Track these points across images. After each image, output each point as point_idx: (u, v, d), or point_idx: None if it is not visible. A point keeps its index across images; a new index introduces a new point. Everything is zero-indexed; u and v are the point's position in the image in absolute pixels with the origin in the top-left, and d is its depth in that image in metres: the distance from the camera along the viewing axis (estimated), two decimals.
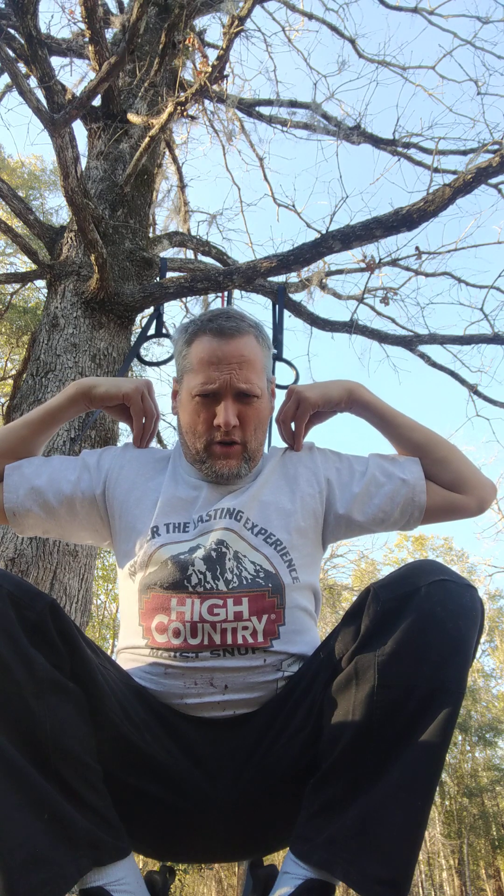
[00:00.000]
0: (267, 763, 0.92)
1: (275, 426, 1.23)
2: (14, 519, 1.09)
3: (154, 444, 1.27)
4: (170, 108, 3.35)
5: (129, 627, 1.03)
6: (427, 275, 5.21)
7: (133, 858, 0.86)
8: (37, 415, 1.13)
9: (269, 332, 1.28)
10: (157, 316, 2.28)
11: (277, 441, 1.30)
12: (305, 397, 1.15)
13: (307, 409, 1.15)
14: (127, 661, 1.03)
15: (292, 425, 1.19)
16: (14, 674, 0.76)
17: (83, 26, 3.60)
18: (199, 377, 1.07)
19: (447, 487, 1.12)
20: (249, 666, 0.94)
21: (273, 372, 1.31)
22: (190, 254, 4.68)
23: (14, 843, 0.71)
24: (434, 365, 4.88)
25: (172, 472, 1.14)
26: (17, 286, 7.05)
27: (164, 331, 2.23)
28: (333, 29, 5.53)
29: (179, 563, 0.98)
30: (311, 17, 5.58)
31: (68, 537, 1.15)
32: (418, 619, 0.80)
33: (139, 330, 4.34)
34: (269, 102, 5.21)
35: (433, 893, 19.93)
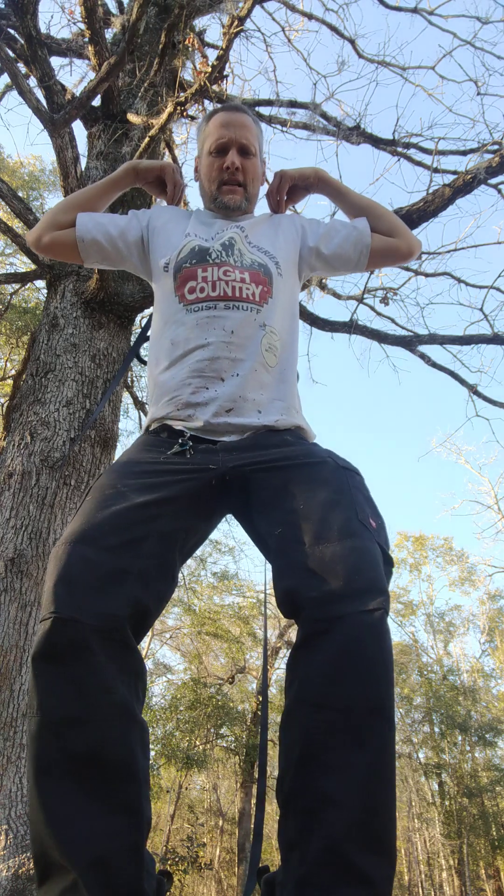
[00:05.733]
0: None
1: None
2: (82, 245, 1.47)
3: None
4: (169, 109, 3.35)
5: (167, 304, 1.39)
6: (427, 275, 5.21)
7: None
8: (100, 183, 1.58)
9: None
10: None
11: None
12: (285, 173, 1.57)
13: (286, 181, 1.56)
14: (161, 331, 1.38)
15: (277, 198, 1.61)
16: None
17: (83, 26, 3.60)
18: (213, 136, 1.50)
19: (385, 234, 1.51)
20: (246, 318, 1.32)
21: None
22: None
23: None
24: (434, 365, 4.88)
25: (195, 217, 1.55)
26: (17, 286, 7.06)
27: None
28: (333, 29, 5.53)
29: (203, 247, 1.41)
30: (310, 17, 5.58)
31: (119, 264, 1.54)
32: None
33: (139, 330, 4.35)
34: (268, 103, 5.20)
35: (433, 893, 19.94)
